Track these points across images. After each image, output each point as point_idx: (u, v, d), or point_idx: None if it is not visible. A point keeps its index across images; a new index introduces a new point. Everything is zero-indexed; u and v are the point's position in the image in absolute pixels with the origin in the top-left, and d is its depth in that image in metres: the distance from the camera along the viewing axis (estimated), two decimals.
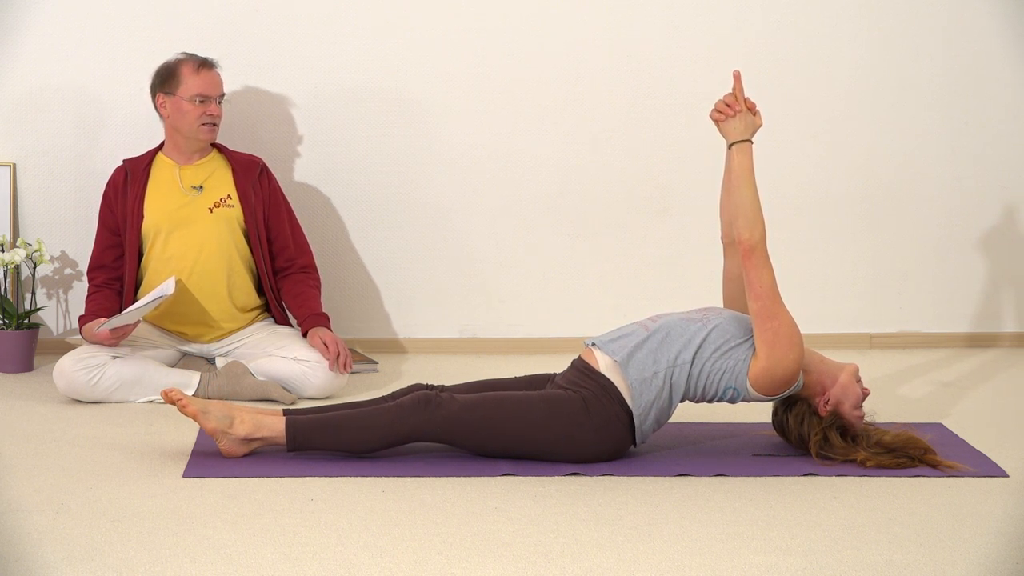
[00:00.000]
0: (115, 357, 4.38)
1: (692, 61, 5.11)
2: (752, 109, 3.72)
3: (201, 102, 4.53)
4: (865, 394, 3.77)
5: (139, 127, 4.91)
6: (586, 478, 3.58)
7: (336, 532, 3.15)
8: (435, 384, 3.86)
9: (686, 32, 5.11)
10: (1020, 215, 5.29)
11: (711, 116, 3.73)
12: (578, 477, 3.58)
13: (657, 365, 3.67)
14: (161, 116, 4.59)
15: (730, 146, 3.72)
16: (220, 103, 4.57)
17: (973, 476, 3.63)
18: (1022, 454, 3.84)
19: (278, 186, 4.72)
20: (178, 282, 4.49)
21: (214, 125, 4.56)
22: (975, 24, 5.15)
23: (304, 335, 4.54)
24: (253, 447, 3.72)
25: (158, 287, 4.42)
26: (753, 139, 3.71)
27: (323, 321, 4.56)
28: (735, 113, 3.70)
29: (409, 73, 5.07)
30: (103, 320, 4.41)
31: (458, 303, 5.20)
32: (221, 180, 4.62)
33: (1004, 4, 5.15)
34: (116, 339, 4.38)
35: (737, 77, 3.70)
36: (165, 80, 4.55)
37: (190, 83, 4.52)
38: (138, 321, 4.42)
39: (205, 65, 4.55)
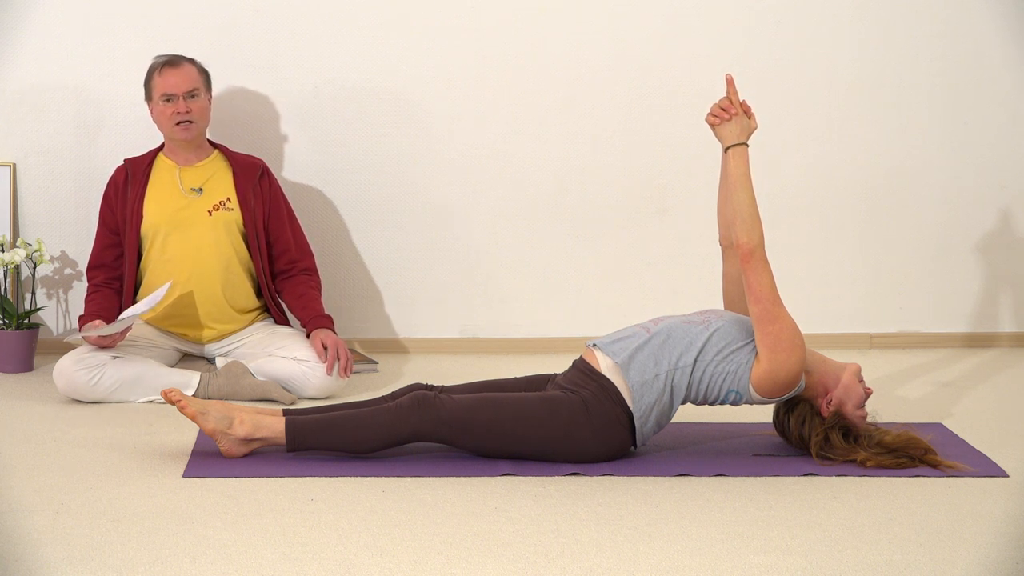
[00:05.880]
0: (115, 357, 4.38)
1: (692, 61, 5.11)
2: (747, 112, 3.72)
3: (168, 101, 4.51)
4: (868, 394, 3.76)
5: (139, 127, 4.91)
6: (586, 478, 3.58)
7: (336, 532, 3.15)
8: (434, 384, 3.86)
9: (686, 32, 5.11)
10: (1019, 215, 5.29)
11: (707, 120, 3.73)
12: (578, 477, 3.59)
13: (658, 368, 3.66)
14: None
15: (726, 150, 3.72)
16: (190, 98, 4.52)
17: (973, 476, 3.63)
18: (1022, 454, 3.85)
19: (279, 188, 4.72)
20: (175, 285, 4.50)
21: (188, 123, 4.52)
22: (974, 24, 5.15)
23: (308, 337, 4.55)
24: (253, 447, 3.72)
25: (154, 292, 4.41)
26: (749, 142, 3.71)
27: (327, 323, 4.56)
28: (730, 117, 3.70)
29: (409, 73, 5.07)
30: (98, 323, 4.41)
31: (458, 303, 5.20)
32: (221, 182, 4.62)
33: (1003, 4, 5.15)
34: (110, 343, 4.37)
35: (730, 81, 3.70)
36: (145, 88, 4.58)
37: (157, 84, 4.52)
38: (130, 326, 4.41)
39: (168, 64, 4.53)
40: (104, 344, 4.37)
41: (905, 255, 5.29)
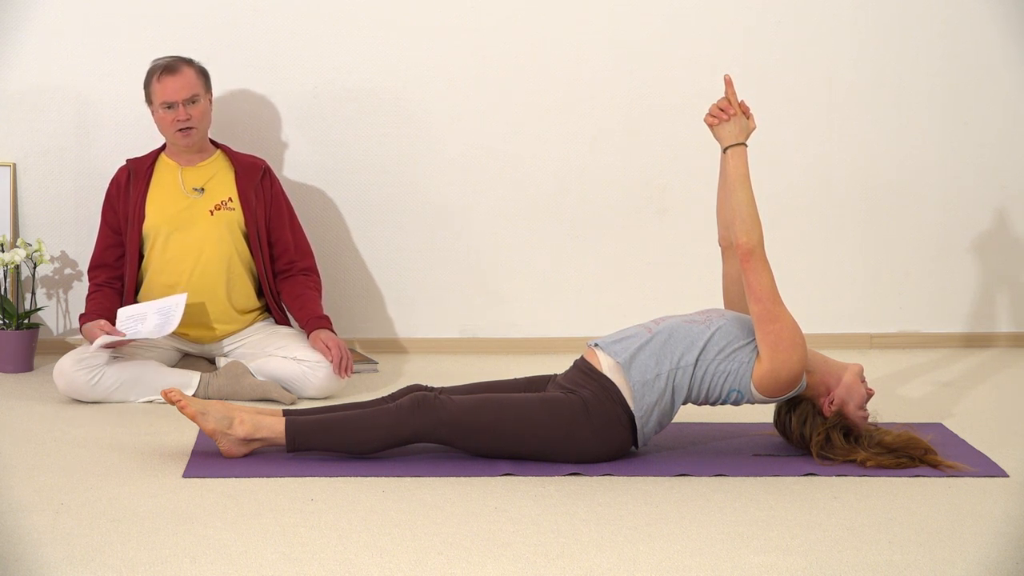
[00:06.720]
0: (115, 357, 4.38)
1: (692, 61, 5.11)
2: (746, 112, 3.72)
3: (168, 108, 4.50)
4: (869, 394, 3.77)
5: (139, 127, 4.91)
6: (586, 478, 3.58)
7: (336, 532, 3.15)
8: (434, 386, 3.86)
9: (686, 32, 5.11)
10: (1019, 216, 5.29)
11: (705, 120, 3.73)
12: (578, 477, 3.58)
13: (660, 367, 3.66)
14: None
15: (725, 150, 3.72)
16: (190, 104, 4.50)
17: (973, 476, 3.63)
18: (1022, 454, 3.85)
19: (281, 188, 4.72)
20: (176, 285, 4.50)
21: (189, 128, 4.51)
22: (974, 24, 5.15)
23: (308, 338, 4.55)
24: (253, 448, 3.72)
25: (165, 301, 4.39)
26: (748, 142, 3.71)
27: (325, 324, 4.56)
28: (729, 117, 3.70)
29: (409, 73, 5.07)
30: (103, 324, 4.39)
31: (458, 303, 5.20)
32: (223, 182, 4.62)
33: (1003, 4, 5.15)
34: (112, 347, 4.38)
35: (729, 82, 3.71)
36: (145, 91, 4.56)
37: (156, 91, 4.50)
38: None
39: (167, 71, 4.49)
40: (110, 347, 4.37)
41: (905, 255, 5.29)
